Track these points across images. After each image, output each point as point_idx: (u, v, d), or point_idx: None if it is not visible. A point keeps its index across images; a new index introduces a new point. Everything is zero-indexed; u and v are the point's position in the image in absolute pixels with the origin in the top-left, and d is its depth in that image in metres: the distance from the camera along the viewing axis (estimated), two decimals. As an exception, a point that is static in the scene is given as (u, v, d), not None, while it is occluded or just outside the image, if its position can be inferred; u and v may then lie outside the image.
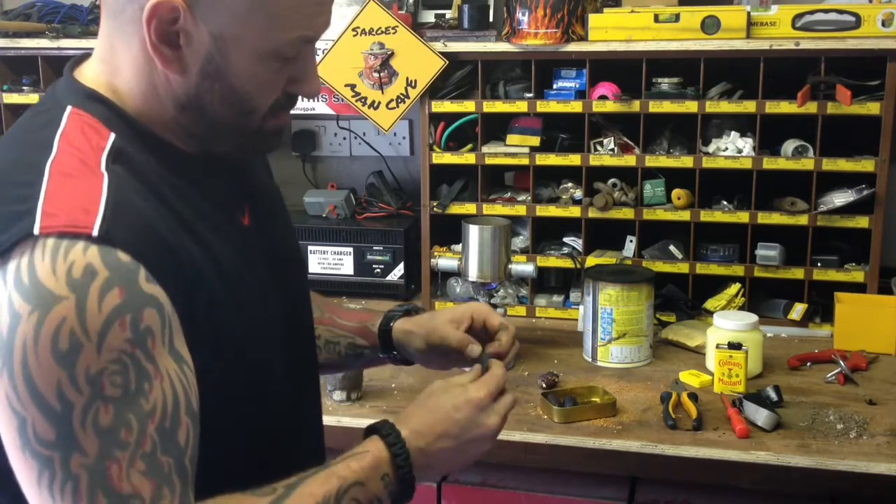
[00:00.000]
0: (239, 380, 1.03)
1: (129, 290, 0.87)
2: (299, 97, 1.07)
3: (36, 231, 0.86)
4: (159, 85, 0.98)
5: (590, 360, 2.13)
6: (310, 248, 2.59)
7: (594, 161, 2.34)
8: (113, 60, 1.00)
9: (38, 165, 0.92)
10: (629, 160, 2.33)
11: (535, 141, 2.37)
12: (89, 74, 1.03)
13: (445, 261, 2.24)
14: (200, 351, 0.95)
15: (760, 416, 1.76)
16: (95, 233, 0.87)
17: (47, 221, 0.87)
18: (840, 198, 2.23)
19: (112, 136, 0.96)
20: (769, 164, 2.23)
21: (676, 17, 2.22)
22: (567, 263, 2.41)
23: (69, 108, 0.99)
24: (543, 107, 2.35)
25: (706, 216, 2.30)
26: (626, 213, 2.34)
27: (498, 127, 2.46)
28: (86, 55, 1.06)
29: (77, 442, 0.85)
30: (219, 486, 0.97)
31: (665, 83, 2.29)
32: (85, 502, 0.86)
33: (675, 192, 2.31)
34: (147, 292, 0.88)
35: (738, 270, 2.30)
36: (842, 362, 2.00)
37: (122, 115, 0.99)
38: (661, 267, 2.32)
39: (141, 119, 1.00)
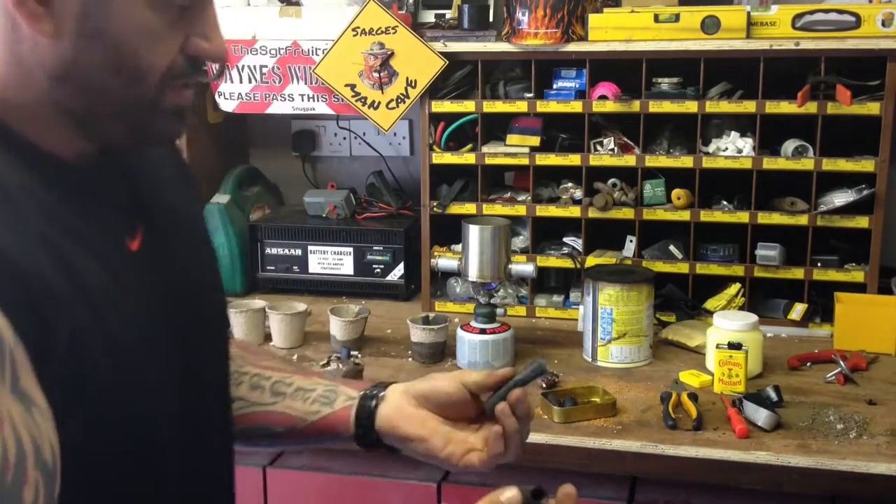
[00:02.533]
0: (109, 436, 0.83)
1: None
2: (206, 66, 0.88)
3: None
4: (25, 54, 0.80)
5: (590, 360, 2.13)
6: (310, 248, 2.59)
7: (594, 161, 2.34)
8: None
9: None
10: (629, 160, 2.33)
11: (535, 141, 2.37)
12: None
13: (445, 261, 2.24)
14: (60, 396, 0.76)
15: (760, 416, 1.76)
16: None
17: None
18: (840, 198, 2.23)
19: None
20: (769, 164, 2.23)
21: (676, 17, 2.22)
22: (567, 263, 2.41)
23: None
24: (543, 107, 2.35)
25: (706, 216, 2.30)
26: (626, 213, 2.34)
27: (498, 127, 2.46)
28: None
29: None
30: None
31: (665, 83, 2.29)
32: None
33: (675, 192, 2.31)
34: None
35: (738, 270, 2.30)
36: (842, 362, 2.00)
37: None
38: (661, 267, 2.32)
39: (8, 112, 0.82)
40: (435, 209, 2.46)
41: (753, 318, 2.04)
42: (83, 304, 0.79)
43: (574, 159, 2.36)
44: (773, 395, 1.85)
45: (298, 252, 2.59)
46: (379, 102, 2.44)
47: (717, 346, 1.94)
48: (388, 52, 2.39)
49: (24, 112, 0.82)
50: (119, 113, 0.85)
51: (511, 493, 1.04)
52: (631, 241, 2.39)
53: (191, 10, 0.85)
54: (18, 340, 0.72)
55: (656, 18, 2.23)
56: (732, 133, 2.30)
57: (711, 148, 2.30)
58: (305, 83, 2.51)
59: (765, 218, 2.26)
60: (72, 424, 0.77)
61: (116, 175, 0.92)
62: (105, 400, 0.81)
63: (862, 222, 2.21)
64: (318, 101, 2.53)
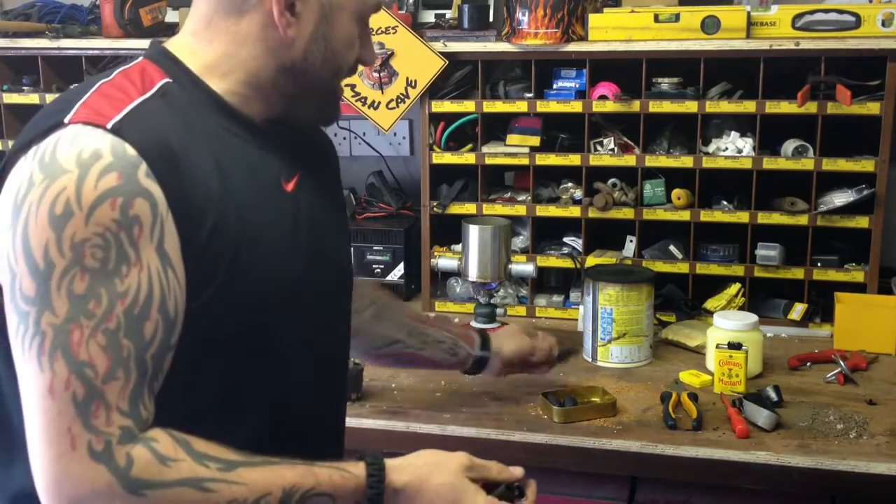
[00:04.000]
0: (239, 324, 1.08)
1: (126, 177, 0.97)
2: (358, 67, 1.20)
3: (66, 120, 1.00)
4: (268, 53, 1.11)
5: (590, 360, 2.13)
6: (310, 248, 2.59)
7: (594, 161, 2.34)
8: (207, 33, 1.12)
9: (92, 83, 1.06)
10: (629, 160, 2.33)
11: (535, 141, 2.37)
12: (175, 41, 1.15)
13: (445, 261, 2.24)
14: (195, 273, 1.02)
15: (760, 416, 1.76)
16: (110, 125, 0.99)
17: (77, 114, 1.01)
18: (840, 198, 2.23)
19: (167, 79, 1.08)
20: (769, 164, 2.23)
21: (676, 17, 2.22)
22: (567, 263, 2.41)
23: (141, 58, 1.12)
24: (543, 107, 2.35)
25: (706, 216, 2.30)
26: (626, 213, 2.34)
27: (498, 127, 2.46)
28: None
29: (51, 302, 0.94)
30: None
31: (665, 83, 2.29)
32: (46, 357, 0.94)
33: (675, 192, 2.31)
34: (143, 185, 0.98)
35: (738, 270, 2.30)
36: (842, 362, 2.00)
37: (188, 72, 1.10)
38: (661, 267, 2.32)
39: (216, 82, 1.11)
40: (435, 209, 2.46)
41: (753, 318, 2.04)
42: (233, 208, 1.05)
43: (574, 159, 2.36)
44: (773, 395, 1.85)
45: (298, 252, 2.59)
46: (379, 102, 2.44)
47: (717, 346, 1.94)
48: (388, 52, 2.39)
49: (241, 89, 1.12)
50: (316, 97, 1.17)
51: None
52: (631, 241, 2.39)
53: (365, 24, 1.18)
54: (169, 213, 0.99)
55: (656, 18, 2.23)
56: (732, 133, 2.30)
57: (711, 148, 2.30)
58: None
59: (765, 218, 2.26)
60: (204, 293, 1.03)
61: (286, 137, 1.19)
62: (238, 294, 1.06)
63: (862, 222, 2.21)
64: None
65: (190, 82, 1.10)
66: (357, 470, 1.10)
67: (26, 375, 0.96)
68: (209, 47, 1.12)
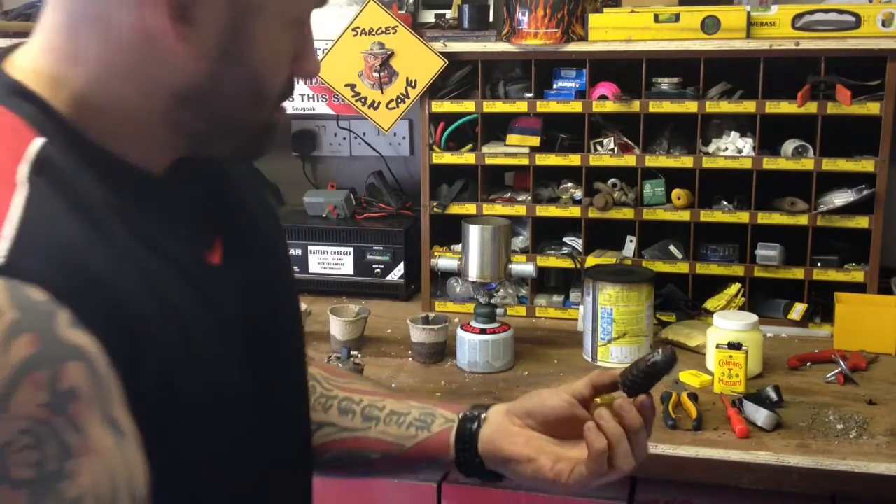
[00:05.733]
0: (198, 465, 0.81)
1: (44, 337, 0.66)
2: (296, 86, 0.88)
3: None
4: (153, 72, 0.78)
5: (590, 360, 2.13)
6: (310, 248, 2.59)
7: (594, 161, 2.34)
8: (70, 49, 0.78)
9: None
10: (629, 160, 2.33)
11: (535, 141, 2.37)
12: (25, 66, 0.79)
13: (445, 261, 2.24)
14: (152, 424, 0.74)
15: (760, 416, 1.76)
16: (0, 261, 0.67)
17: None
18: (840, 198, 2.23)
19: (39, 140, 0.74)
20: (769, 164, 2.23)
21: (676, 17, 2.22)
22: (567, 263, 2.41)
23: None
24: (543, 107, 2.35)
25: (706, 216, 2.30)
26: (626, 213, 2.34)
27: (498, 127, 2.46)
28: (15, 46, 0.83)
29: None
30: None
31: (665, 83, 2.29)
32: None
33: (675, 192, 2.31)
34: (71, 342, 0.68)
35: (738, 270, 2.30)
36: (842, 362, 2.00)
37: (57, 118, 0.77)
38: (661, 267, 2.32)
39: (93, 122, 0.79)
40: (435, 209, 2.46)
41: (753, 318, 2.04)
42: (174, 327, 0.77)
43: (574, 159, 2.36)
44: (773, 395, 1.85)
45: (298, 252, 2.59)
46: (379, 102, 2.44)
47: (717, 346, 1.94)
48: (388, 52, 2.39)
49: (116, 126, 0.79)
50: (234, 132, 0.84)
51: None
52: (631, 241, 2.39)
53: (301, 28, 0.83)
54: (111, 368, 0.70)
55: (656, 18, 2.23)
56: (732, 133, 2.30)
57: (711, 148, 2.30)
58: (305, 83, 2.51)
59: (765, 218, 2.26)
60: (162, 454, 0.75)
61: (195, 186, 0.89)
62: (195, 427, 0.79)
63: (862, 222, 2.21)
64: (318, 101, 2.53)
65: (64, 135, 0.76)
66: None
67: None
68: (76, 72, 0.77)
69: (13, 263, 0.67)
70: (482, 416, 1.10)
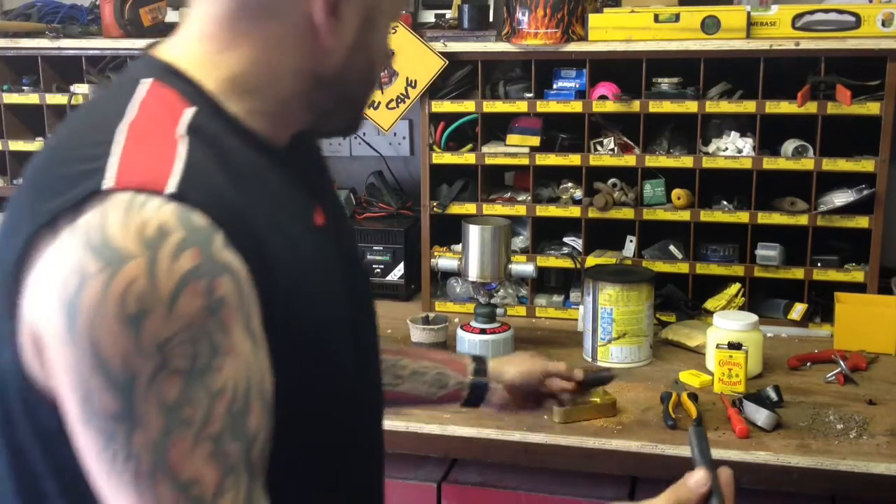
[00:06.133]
0: (309, 387, 0.94)
1: (204, 253, 0.80)
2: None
3: (108, 186, 0.81)
4: (306, 61, 0.94)
5: (590, 360, 2.13)
6: (310, 248, 2.59)
7: (594, 161, 2.34)
8: (226, 37, 0.92)
9: (112, 128, 0.86)
10: (629, 160, 2.33)
11: (535, 141, 2.37)
12: (176, 51, 0.95)
13: (445, 261, 2.24)
14: (277, 340, 0.88)
15: (760, 416, 1.76)
16: (171, 190, 0.81)
17: (121, 177, 0.81)
18: (840, 198, 2.23)
19: (191, 109, 0.90)
20: (769, 164, 2.23)
21: (676, 17, 2.22)
22: (567, 263, 2.41)
23: (149, 80, 0.92)
24: (543, 107, 2.35)
25: (706, 216, 2.30)
26: (626, 213, 2.34)
27: (498, 127, 2.46)
28: (161, 39, 0.99)
29: (140, 416, 0.79)
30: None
31: (665, 83, 2.29)
32: (145, 481, 0.80)
33: (675, 192, 2.31)
34: (224, 259, 0.82)
35: (738, 270, 2.30)
36: (842, 362, 2.00)
37: (205, 94, 0.92)
38: (661, 267, 2.32)
39: (234, 102, 0.93)
40: (435, 209, 2.46)
41: (753, 318, 2.04)
42: (296, 262, 0.91)
43: (574, 159, 2.36)
44: (773, 395, 1.85)
45: (298, 252, 2.59)
46: (379, 102, 2.44)
47: (717, 346, 1.94)
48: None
49: (259, 103, 0.94)
50: (348, 110, 1.02)
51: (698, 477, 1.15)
52: (631, 241, 2.39)
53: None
54: (252, 286, 0.84)
55: (656, 18, 2.23)
56: (732, 133, 2.30)
57: (711, 148, 2.30)
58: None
59: (765, 218, 2.26)
60: (284, 367, 0.89)
61: (305, 159, 1.06)
62: (310, 359, 0.93)
63: (862, 222, 2.21)
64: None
65: (211, 108, 0.92)
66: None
67: None
68: (228, 56, 0.93)
69: (182, 193, 0.81)
70: (487, 387, 1.47)
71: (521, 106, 2.36)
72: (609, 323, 2.09)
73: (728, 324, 2.01)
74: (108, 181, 0.81)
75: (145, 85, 0.91)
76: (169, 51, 0.95)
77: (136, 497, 0.80)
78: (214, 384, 0.81)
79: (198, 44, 0.93)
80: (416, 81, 2.39)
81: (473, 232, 2.14)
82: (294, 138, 1.01)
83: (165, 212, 0.80)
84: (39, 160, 0.90)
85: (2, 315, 0.85)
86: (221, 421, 0.81)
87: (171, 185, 0.81)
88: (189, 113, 0.89)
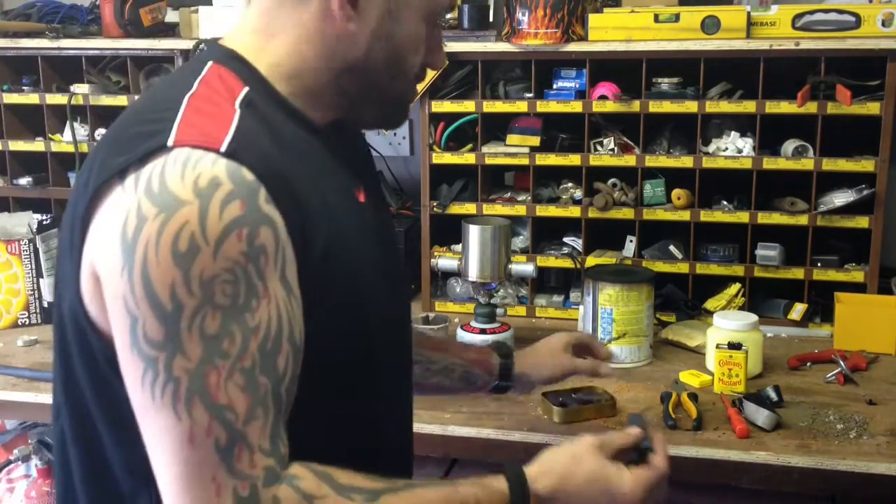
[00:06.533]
0: (341, 344, 1.03)
1: (249, 205, 0.90)
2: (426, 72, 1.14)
3: (169, 143, 0.92)
4: (330, 47, 1.05)
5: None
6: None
7: (594, 161, 2.34)
8: (269, 28, 1.06)
9: (176, 99, 0.98)
10: (629, 160, 2.33)
11: (535, 141, 2.37)
12: (236, 40, 1.08)
13: (445, 261, 2.24)
14: (308, 297, 0.97)
15: (760, 416, 1.76)
16: (224, 149, 0.92)
17: (181, 136, 0.92)
18: (840, 198, 2.23)
19: (246, 88, 1.02)
20: (769, 164, 2.23)
21: (676, 17, 2.22)
22: (567, 263, 2.41)
23: (210, 62, 1.04)
24: (543, 107, 2.35)
25: (706, 216, 2.30)
26: (626, 213, 2.34)
27: (498, 127, 2.46)
28: (221, 35, 1.13)
29: (182, 344, 0.88)
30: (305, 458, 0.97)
31: (665, 83, 2.29)
32: (183, 405, 0.88)
33: (675, 192, 2.31)
34: (266, 212, 0.92)
35: (738, 270, 2.30)
36: (842, 362, 2.00)
37: (259, 76, 1.04)
38: (661, 267, 2.32)
39: (282, 84, 1.05)
40: (435, 209, 2.46)
41: (753, 318, 2.04)
42: (335, 227, 1.00)
43: (574, 159, 2.36)
44: (773, 395, 1.85)
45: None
46: (379, 102, 2.43)
47: (717, 346, 1.94)
48: (388, 52, 2.39)
49: (300, 86, 1.06)
50: (379, 99, 1.11)
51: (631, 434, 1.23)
52: (631, 241, 2.39)
53: (435, 26, 1.11)
54: (289, 239, 0.94)
55: (656, 18, 2.23)
56: (732, 133, 2.30)
57: (711, 148, 2.30)
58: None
59: (765, 218, 2.26)
60: (316, 316, 0.98)
61: (347, 142, 1.17)
62: (342, 316, 1.02)
63: (862, 222, 2.21)
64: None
65: (263, 89, 1.04)
66: (500, 484, 1.07)
67: (159, 426, 0.89)
68: (272, 45, 1.06)
69: (232, 151, 0.92)
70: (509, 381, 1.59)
71: (521, 106, 2.36)
72: (609, 323, 2.09)
73: (728, 324, 2.01)
74: (170, 139, 0.92)
75: (208, 66, 1.04)
76: (230, 40, 1.09)
77: (173, 418, 0.88)
78: (250, 322, 0.90)
79: (250, 35, 1.07)
80: (416, 81, 2.39)
81: (473, 232, 2.14)
82: (337, 125, 1.12)
83: (218, 166, 0.91)
84: (116, 124, 1.03)
85: (69, 258, 0.96)
86: (254, 356, 0.90)
87: (224, 145, 0.92)
88: (244, 91, 1.01)
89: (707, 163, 2.27)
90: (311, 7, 1.04)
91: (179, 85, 1.01)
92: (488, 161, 2.41)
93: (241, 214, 0.89)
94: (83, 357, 0.99)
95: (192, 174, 0.90)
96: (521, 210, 2.41)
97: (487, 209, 2.43)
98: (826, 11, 2.16)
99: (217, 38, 1.12)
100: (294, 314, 0.94)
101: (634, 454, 1.20)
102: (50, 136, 2.65)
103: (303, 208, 0.96)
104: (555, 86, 2.37)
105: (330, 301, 1.00)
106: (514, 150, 2.39)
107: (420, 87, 2.38)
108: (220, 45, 1.08)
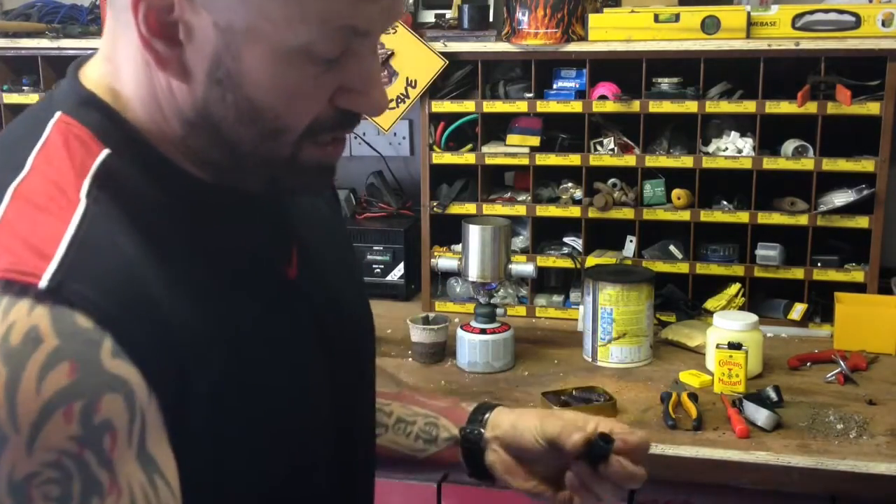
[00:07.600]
0: (257, 495, 0.79)
1: (84, 367, 0.64)
2: (359, 118, 0.80)
3: None
4: (160, 93, 0.75)
5: (590, 360, 2.13)
6: (310, 248, 2.59)
7: (594, 161, 2.34)
8: (115, 58, 0.77)
9: (0, 186, 0.71)
10: (629, 160, 2.33)
11: (535, 141, 2.37)
12: (92, 75, 0.79)
13: (445, 261, 2.24)
14: (192, 457, 0.72)
15: (760, 416, 1.76)
16: (44, 284, 0.65)
17: None
18: (840, 198, 2.23)
19: (104, 152, 0.74)
20: (769, 164, 2.23)
21: (676, 17, 2.22)
22: (567, 263, 2.41)
23: (57, 114, 0.76)
24: (543, 107, 2.35)
25: (706, 216, 2.30)
26: (626, 213, 2.34)
27: (498, 127, 2.46)
28: (95, 52, 0.83)
29: None
30: None
31: (665, 83, 2.29)
32: None
33: (675, 192, 2.31)
34: (111, 372, 0.66)
35: (738, 270, 2.30)
36: (842, 362, 2.00)
37: (124, 127, 0.76)
38: (661, 267, 2.32)
39: (147, 135, 0.77)
40: (435, 209, 2.46)
41: (753, 318, 2.04)
42: (229, 349, 0.75)
43: (574, 159, 2.36)
44: (773, 395, 1.85)
45: (298, 252, 2.59)
46: (379, 102, 2.43)
47: (717, 346, 1.94)
48: (388, 52, 2.39)
49: (169, 145, 0.77)
50: (256, 166, 0.78)
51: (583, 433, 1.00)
52: (631, 241, 2.39)
53: (340, 62, 0.75)
54: (152, 395, 0.68)
55: (656, 18, 2.23)
56: (732, 133, 2.30)
57: (711, 148, 2.30)
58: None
59: (765, 218, 2.26)
60: (208, 485, 0.74)
61: (268, 198, 0.85)
62: (249, 468, 0.78)
63: (862, 222, 2.20)
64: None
65: (130, 143, 0.76)
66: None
67: None
68: (120, 83, 0.77)
69: (59, 287, 0.65)
70: (482, 437, 1.11)
71: (521, 106, 2.36)
72: (609, 323, 2.09)
73: (728, 324, 2.00)
74: None
75: (54, 120, 0.76)
76: (89, 72, 0.79)
77: None
78: None
79: (104, 64, 0.79)
80: (416, 81, 2.39)
81: (473, 232, 2.14)
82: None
83: (38, 314, 0.64)
84: None
85: None
86: None
87: (48, 275, 0.65)
88: (100, 158, 0.74)
89: (707, 163, 2.27)
90: (134, 35, 0.72)
91: (10, 159, 0.73)
92: (488, 161, 2.41)
93: (71, 382, 0.63)
94: None
95: (0, 326, 0.63)
96: (521, 210, 2.41)
97: (487, 209, 2.43)
98: (826, 11, 2.16)
99: (86, 57, 0.82)
100: (162, 500, 0.69)
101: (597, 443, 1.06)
102: (50, 136, 2.64)
103: (177, 339, 0.70)
104: (555, 86, 2.37)
105: (225, 453, 0.76)
106: (514, 150, 2.39)
107: (420, 87, 2.39)
108: (76, 81, 0.79)
